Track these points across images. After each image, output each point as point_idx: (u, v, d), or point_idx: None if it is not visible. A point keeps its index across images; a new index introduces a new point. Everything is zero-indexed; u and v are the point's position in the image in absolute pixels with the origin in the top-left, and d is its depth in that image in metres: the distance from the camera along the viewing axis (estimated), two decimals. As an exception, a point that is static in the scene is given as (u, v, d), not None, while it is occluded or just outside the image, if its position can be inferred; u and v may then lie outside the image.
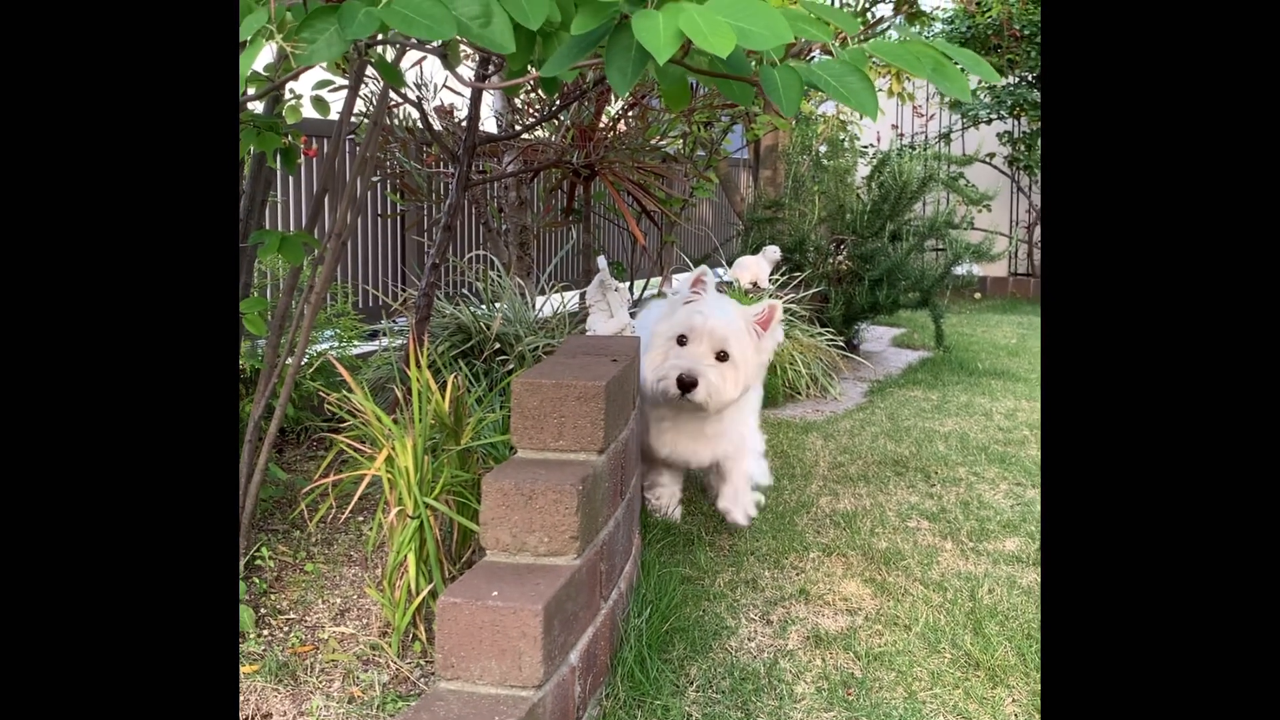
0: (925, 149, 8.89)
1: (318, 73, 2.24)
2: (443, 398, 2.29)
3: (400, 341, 3.89)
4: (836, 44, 1.20)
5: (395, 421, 2.23)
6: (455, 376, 2.37)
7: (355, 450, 2.35)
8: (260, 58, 1.27)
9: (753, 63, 1.27)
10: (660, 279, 6.06)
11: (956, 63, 1.22)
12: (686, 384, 2.57)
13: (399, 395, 2.55)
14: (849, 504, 3.24)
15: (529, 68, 1.62)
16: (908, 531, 3.00)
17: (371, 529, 2.65)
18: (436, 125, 4.41)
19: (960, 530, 3.01)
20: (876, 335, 6.90)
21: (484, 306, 4.12)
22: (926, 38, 9.57)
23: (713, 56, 1.10)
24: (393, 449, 2.16)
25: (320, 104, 2.32)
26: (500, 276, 4.23)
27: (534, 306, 4.20)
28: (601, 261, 3.42)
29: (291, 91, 2.48)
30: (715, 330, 2.62)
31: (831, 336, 5.48)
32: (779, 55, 1.14)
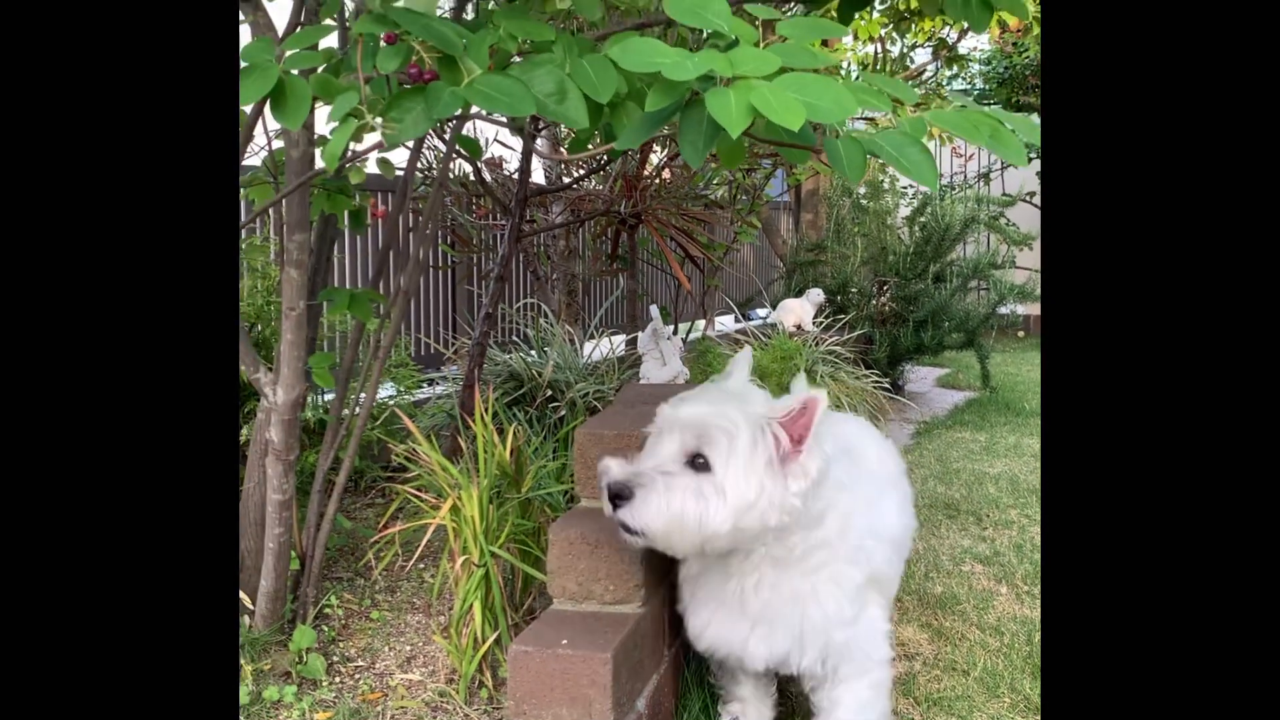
0: (965, 189, 8.91)
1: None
2: (504, 448, 2.36)
3: (454, 388, 3.97)
4: (892, 115, 1.26)
5: (459, 470, 2.30)
6: (515, 427, 2.43)
7: (419, 499, 2.41)
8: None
9: (815, 130, 1.33)
10: (704, 322, 6.12)
11: (1011, 128, 1.28)
12: (615, 495, 1.62)
13: (461, 444, 2.61)
14: (901, 548, 3.25)
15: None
16: (962, 575, 3.01)
17: (435, 577, 2.70)
18: (488, 178, 4.52)
19: (1014, 574, 3.02)
20: (921, 376, 6.90)
21: (535, 353, 4.19)
22: (965, 80, 9.60)
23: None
24: (458, 498, 2.21)
25: (385, 165, 2.40)
26: (550, 323, 4.30)
27: (583, 352, 4.27)
28: (654, 311, 3.48)
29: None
30: (690, 421, 1.64)
31: (877, 378, 5.50)
32: (840, 125, 1.20)
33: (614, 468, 1.63)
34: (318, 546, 2.32)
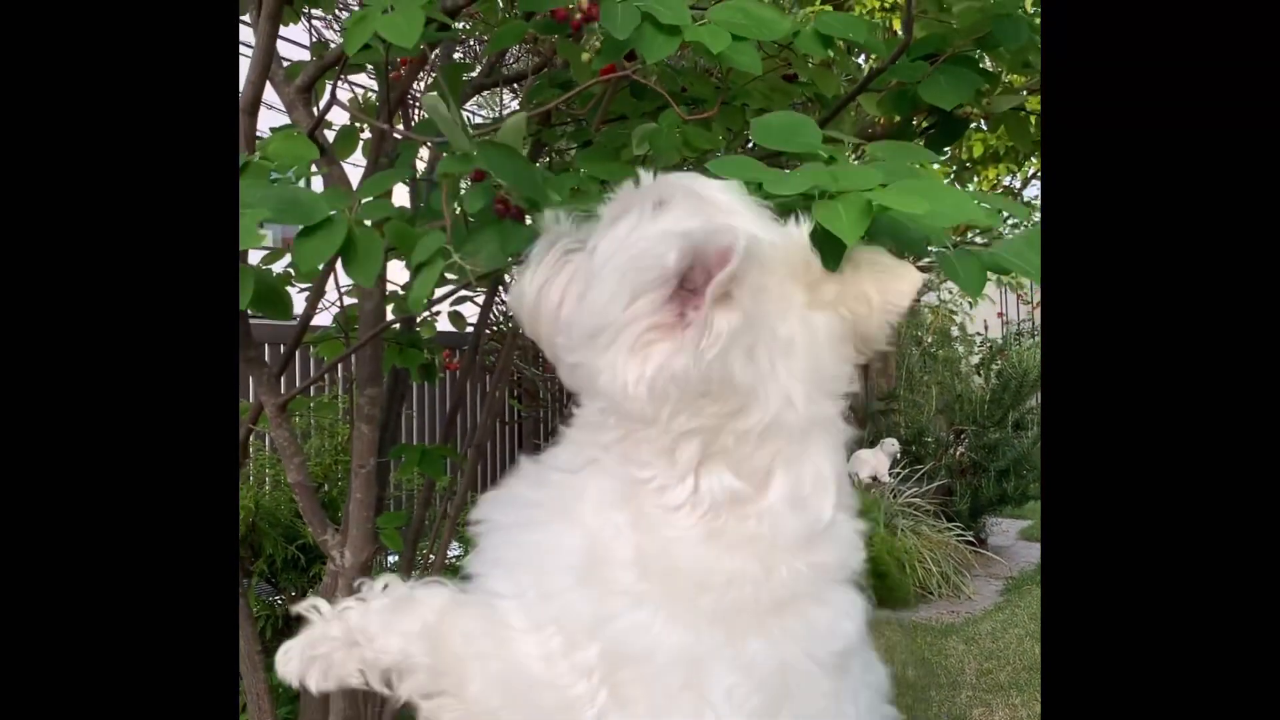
0: (1035, 336, 8.77)
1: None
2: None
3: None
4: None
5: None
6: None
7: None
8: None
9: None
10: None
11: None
12: None
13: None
14: (1004, 715, 3.01)
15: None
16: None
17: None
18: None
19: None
20: (1003, 529, 6.62)
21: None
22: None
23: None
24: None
25: (457, 319, 2.37)
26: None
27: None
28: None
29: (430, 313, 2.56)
30: None
31: (960, 531, 5.27)
32: (943, 238, 1.11)
33: None
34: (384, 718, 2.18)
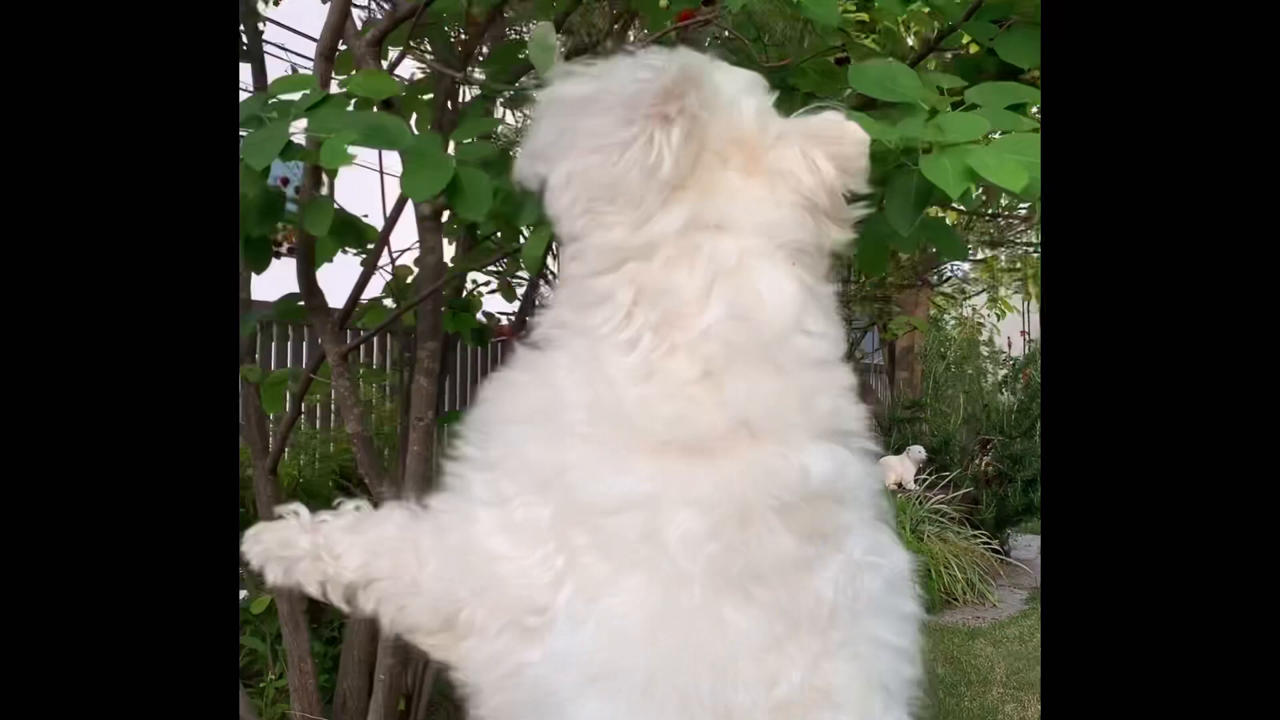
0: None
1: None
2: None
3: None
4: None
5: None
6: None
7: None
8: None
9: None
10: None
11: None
12: None
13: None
14: (1036, 712, 2.99)
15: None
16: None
17: None
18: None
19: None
20: (1025, 544, 6.58)
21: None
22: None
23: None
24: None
25: (508, 291, 2.39)
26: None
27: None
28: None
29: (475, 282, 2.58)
30: None
31: (986, 539, 5.25)
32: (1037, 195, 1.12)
33: None
34: (425, 686, 2.20)
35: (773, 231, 0.88)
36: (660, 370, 0.85)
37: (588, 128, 0.88)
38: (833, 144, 0.92)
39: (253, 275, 1.80)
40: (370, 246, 1.92)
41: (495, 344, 2.93)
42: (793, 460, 0.83)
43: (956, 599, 4.70)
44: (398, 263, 2.17)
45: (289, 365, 3.87)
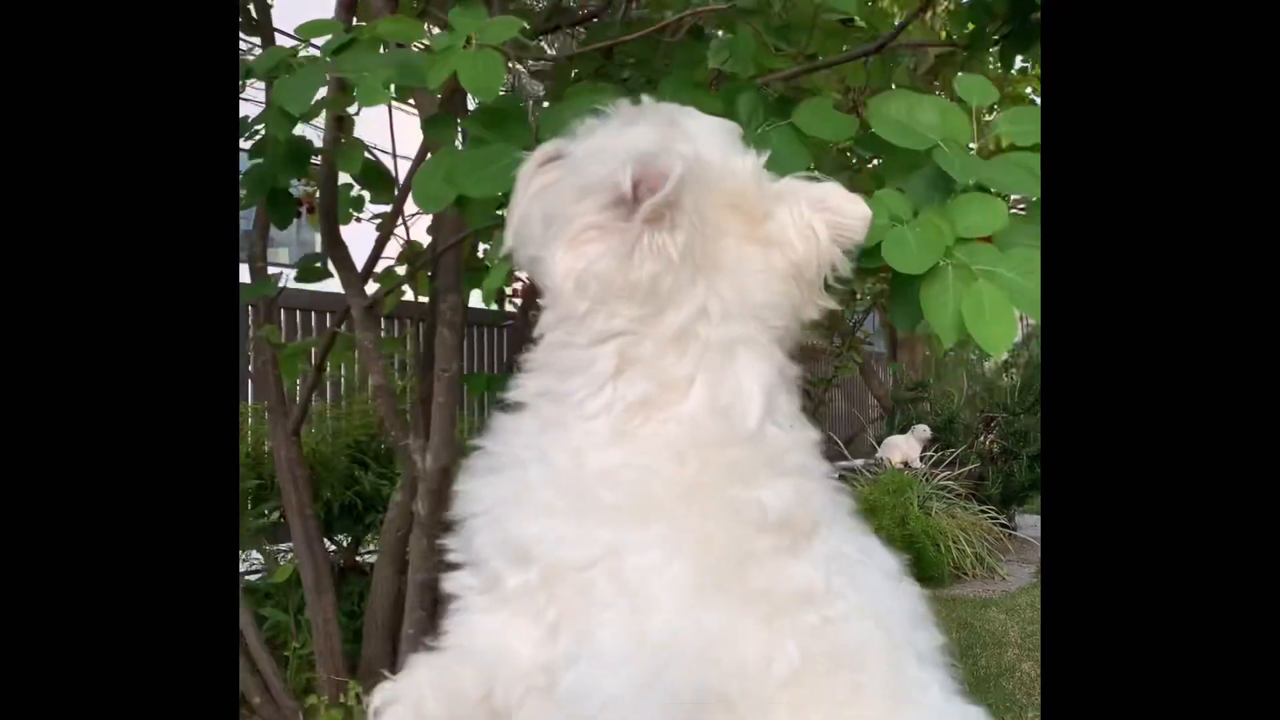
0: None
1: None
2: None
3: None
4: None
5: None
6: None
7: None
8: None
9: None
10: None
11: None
12: None
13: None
14: (1052, 671, 3.02)
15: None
16: None
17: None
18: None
19: None
20: (1032, 522, 6.61)
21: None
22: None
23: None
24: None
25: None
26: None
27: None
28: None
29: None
30: None
31: (994, 514, 5.28)
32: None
33: None
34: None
35: (765, 316, 0.91)
36: (630, 436, 0.88)
37: (577, 214, 0.90)
38: (834, 214, 0.94)
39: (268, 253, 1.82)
40: (388, 210, 1.95)
41: (513, 304, 2.95)
42: (764, 500, 0.85)
43: (966, 573, 4.73)
44: (411, 236, 2.20)
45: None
